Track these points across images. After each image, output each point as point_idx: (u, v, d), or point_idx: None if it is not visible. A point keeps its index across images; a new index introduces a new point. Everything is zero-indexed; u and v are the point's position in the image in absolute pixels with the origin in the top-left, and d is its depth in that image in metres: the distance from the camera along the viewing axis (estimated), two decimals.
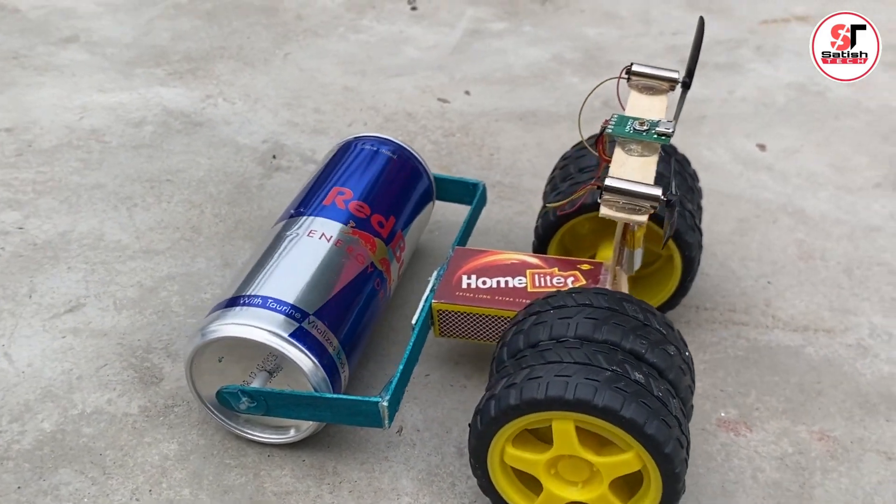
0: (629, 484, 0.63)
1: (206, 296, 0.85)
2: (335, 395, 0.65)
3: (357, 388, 0.77)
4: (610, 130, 0.66)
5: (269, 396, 0.66)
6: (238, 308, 0.68)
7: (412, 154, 0.87)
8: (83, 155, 1.04)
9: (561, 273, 0.76)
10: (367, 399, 0.65)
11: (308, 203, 0.78)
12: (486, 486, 0.64)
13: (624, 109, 0.71)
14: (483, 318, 0.73)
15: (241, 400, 0.67)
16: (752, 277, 0.91)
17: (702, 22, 0.70)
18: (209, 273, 0.88)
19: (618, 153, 0.65)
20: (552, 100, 1.20)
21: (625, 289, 0.74)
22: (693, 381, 0.65)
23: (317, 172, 0.84)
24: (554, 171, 0.87)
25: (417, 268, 0.89)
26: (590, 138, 0.83)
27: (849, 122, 1.19)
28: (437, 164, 1.05)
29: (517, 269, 0.76)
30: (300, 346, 0.66)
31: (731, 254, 0.95)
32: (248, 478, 0.69)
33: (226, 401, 0.68)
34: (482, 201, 0.89)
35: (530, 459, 0.62)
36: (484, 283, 0.75)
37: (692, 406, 0.64)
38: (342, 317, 0.71)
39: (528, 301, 0.72)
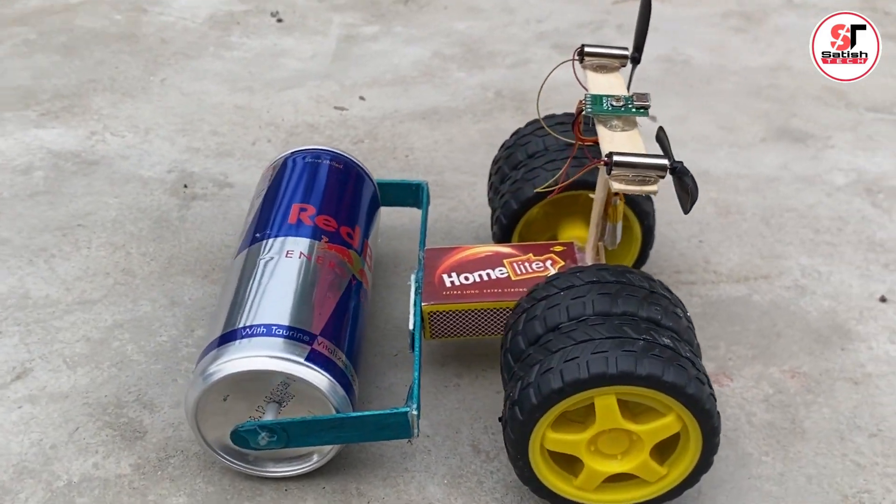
0: (658, 448, 0.65)
1: (163, 338, 0.80)
2: (361, 413, 0.63)
3: None
4: (589, 111, 0.67)
5: (290, 426, 0.63)
6: (239, 341, 0.64)
7: (354, 161, 0.85)
8: None
9: (538, 258, 0.76)
10: (395, 411, 0.63)
11: (270, 225, 0.75)
12: (528, 475, 0.64)
13: (587, 90, 0.72)
14: (476, 314, 0.73)
15: (259, 436, 0.63)
16: (684, 239, 0.96)
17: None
18: (158, 315, 0.82)
19: (602, 131, 0.66)
20: (447, 96, 1.21)
21: (603, 261, 0.76)
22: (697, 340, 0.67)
23: (264, 193, 0.80)
24: (497, 162, 0.87)
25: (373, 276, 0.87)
26: (545, 119, 0.85)
27: (720, 85, 1.26)
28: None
29: (494, 261, 0.76)
30: (317, 368, 0.63)
31: (658, 220, 0.99)
32: None
33: (242, 440, 0.64)
34: (428, 201, 0.88)
35: (572, 440, 0.62)
36: (466, 278, 0.75)
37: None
38: (342, 333, 0.68)
39: (516, 289, 0.73)
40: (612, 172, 0.60)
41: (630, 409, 0.63)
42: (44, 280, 0.85)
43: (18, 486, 0.66)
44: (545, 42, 1.36)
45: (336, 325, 0.68)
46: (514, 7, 1.47)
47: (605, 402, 0.60)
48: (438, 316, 0.73)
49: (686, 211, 0.59)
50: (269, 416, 0.64)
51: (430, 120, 1.15)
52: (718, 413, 0.62)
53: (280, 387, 0.64)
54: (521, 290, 0.73)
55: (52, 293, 0.84)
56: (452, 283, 0.74)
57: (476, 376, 0.78)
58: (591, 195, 0.75)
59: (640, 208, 0.80)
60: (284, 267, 0.70)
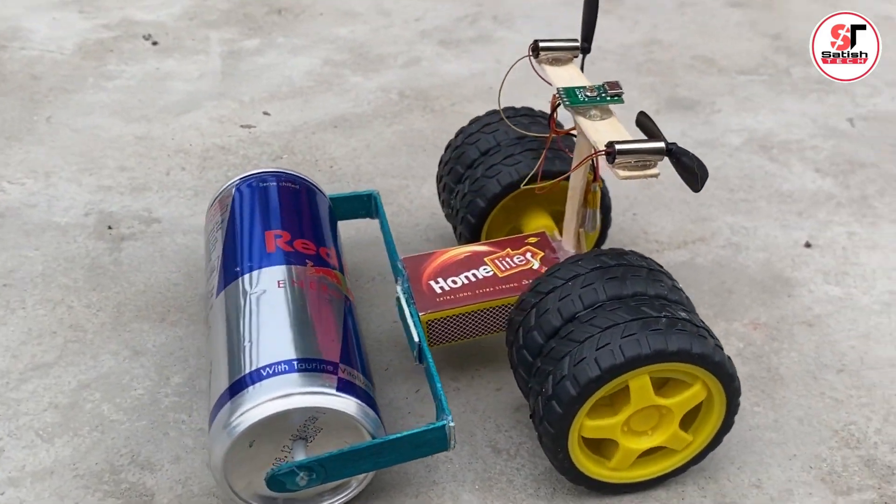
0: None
1: (138, 392, 0.74)
2: (399, 435, 0.61)
3: None
4: (567, 103, 0.67)
5: (328, 462, 0.60)
6: (256, 385, 0.59)
7: (305, 179, 0.82)
8: None
9: (517, 252, 0.76)
10: (433, 426, 0.61)
11: (246, 257, 0.70)
12: (567, 466, 0.64)
13: (552, 84, 0.72)
14: (473, 315, 0.72)
15: (297, 476, 0.59)
16: (619, 214, 0.98)
17: None
18: (125, 368, 0.76)
19: (583, 122, 0.66)
20: (350, 102, 1.18)
21: (584, 247, 0.76)
22: None
23: (225, 226, 0.75)
24: (446, 162, 0.85)
25: None
26: (488, 114, 0.84)
27: (604, 65, 1.30)
28: None
29: (475, 261, 0.75)
30: (348, 396, 0.60)
31: None
32: None
33: (279, 484, 0.60)
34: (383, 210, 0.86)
35: (608, 425, 0.63)
36: (454, 282, 0.73)
37: None
38: (355, 355, 0.65)
39: (506, 285, 0.72)
40: (616, 160, 0.60)
41: (656, 385, 0.63)
42: None
43: None
44: (430, 39, 1.35)
45: (348, 348, 0.65)
46: (389, 9, 1.45)
47: (640, 382, 0.61)
48: (437, 323, 0.71)
49: (697, 189, 0.60)
50: (299, 455, 0.60)
51: (341, 128, 1.12)
52: (737, 375, 0.64)
53: (307, 422, 0.60)
54: (511, 285, 0.72)
55: None
56: (442, 288, 0.73)
57: (472, 377, 0.77)
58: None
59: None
60: (277, 298, 0.66)
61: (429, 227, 0.95)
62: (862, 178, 1.05)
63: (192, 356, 0.77)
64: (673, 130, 1.13)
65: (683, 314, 0.62)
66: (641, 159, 0.61)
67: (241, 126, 1.11)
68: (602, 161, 0.62)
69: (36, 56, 1.25)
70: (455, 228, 0.84)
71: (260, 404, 0.58)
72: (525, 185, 0.76)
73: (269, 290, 0.67)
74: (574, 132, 0.71)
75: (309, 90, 1.20)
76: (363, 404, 0.61)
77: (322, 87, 1.21)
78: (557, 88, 0.69)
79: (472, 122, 0.86)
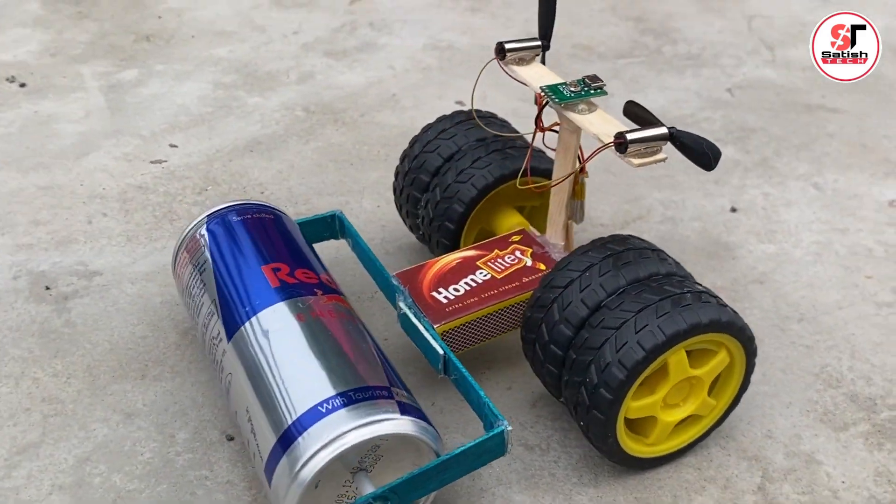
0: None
1: (146, 456, 0.69)
2: (463, 448, 0.60)
3: None
4: (556, 101, 0.69)
5: (401, 487, 0.59)
6: (315, 427, 0.57)
7: (271, 207, 0.79)
8: None
9: (505, 251, 0.77)
10: (492, 434, 0.61)
11: (251, 297, 0.67)
12: (615, 449, 0.66)
13: (526, 84, 0.74)
14: (485, 319, 0.72)
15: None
16: None
17: None
18: (122, 433, 0.71)
19: (576, 118, 0.69)
20: (257, 123, 1.14)
21: (572, 239, 0.79)
22: None
23: (211, 269, 0.71)
24: (406, 174, 0.85)
25: None
26: (439, 121, 0.85)
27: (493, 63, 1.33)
28: None
29: (468, 267, 0.76)
30: (410, 417, 0.59)
31: None
32: None
33: None
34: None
35: (650, 403, 0.65)
36: (456, 290, 0.74)
37: None
38: (395, 375, 0.64)
39: (509, 285, 0.73)
40: (629, 150, 0.63)
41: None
42: None
43: None
44: (315, 52, 1.33)
45: (390, 369, 0.64)
46: (262, 24, 1.41)
47: (678, 357, 0.64)
48: (453, 333, 0.71)
49: (711, 167, 0.63)
50: (366, 487, 0.59)
51: (257, 151, 1.08)
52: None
53: (369, 452, 0.59)
54: (513, 284, 0.74)
55: None
56: (447, 298, 0.73)
57: (480, 380, 0.77)
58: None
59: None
60: (299, 334, 0.64)
61: (384, 240, 0.94)
62: (757, 143, 1.14)
63: (190, 408, 0.73)
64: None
65: (699, 287, 0.66)
66: (650, 146, 0.64)
67: (152, 162, 1.05)
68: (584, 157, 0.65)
69: None
70: (428, 237, 0.84)
71: (320, 450, 0.56)
72: (521, 184, 0.77)
73: (288, 326, 0.65)
74: (556, 128, 0.73)
75: (210, 116, 1.15)
76: (424, 423, 0.60)
77: (222, 111, 1.17)
78: (541, 87, 0.71)
79: (425, 130, 0.86)
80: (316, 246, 0.80)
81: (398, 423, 0.58)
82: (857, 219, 1.00)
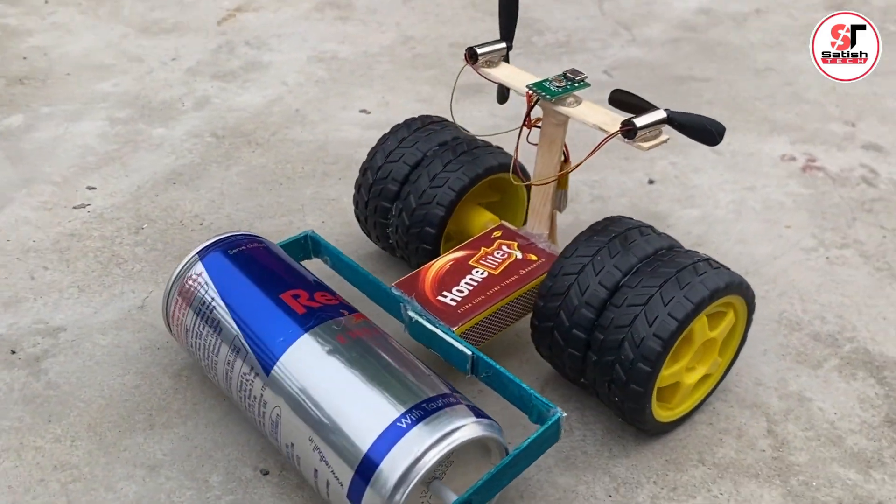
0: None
1: (179, 498, 0.67)
2: (528, 441, 0.62)
3: None
4: (547, 97, 0.73)
5: (482, 489, 0.60)
6: (414, 429, 0.58)
7: (256, 236, 0.78)
8: None
9: (493, 248, 0.80)
10: (551, 422, 0.64)
11: (281, 328, 0.66)
12: (648, 419, 0.70)
13: (504, 84, 0.76)
14: (496, 315, 0.75)
15: None
16: None
17: None
18: (153, 486, 0.68)
19: (568, 111, 0.72)
20: (170, 154, 1.10)
21: (556, 227, 0.82)
22: None
23: (220, 307, 0.69)
24: (369, 186, 0.85)
25: None
26: (394, 130, 0.86)
27: (381, 68, 1.35)
28: (175, 256, 0.92)
29: (463, 268, 0.78)
30: (482, 419, 0.61)
31: None
32: None
33: None
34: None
35: (677, 369, 0.70)
36: (460, 291, 0.76)
37: None
38: (444, 379, 0.66)
39: (510, 279, 0.76)
40: (638, 135, 0.67)
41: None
42: None
43: None
44: (202, 76, 1.29)
45: (437, 375, 0.65)
46: (138, 54, 1.35)
47: (700, 323, 0.69)
48: (469, 333, 0.73)
49: (716, 142, 0.68)
50: (447, 495, 0.59)
51: (181, 183, 1.05)
52: None
53: (443, 458, 0.60)
54: (513, 278, 0.77)
55: None
56: (454, 300, 0.75)
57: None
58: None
59: (526, 171, 0.88)
60: (347, 355, 0.64)
61: (344, 252, 0.94)
62: None
63: (213, 450, 0.71)
64: (480, 114, 1.22)
65: (701, 255, 0.72)
66: (653, 131, 0.68)
67: (75, 207, 0.99)
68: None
69: None
70: (404, 244, 0.84)
71: (406, 472, 0.57)
72: (516, 180, 0.80)
73: (333, 350, 0.64)
74: (539, 124, 0.77)
75: (118, 153, 1.10)
76: (491, 421, 0.62)
77: (129, 147, 1.11)
78: (528, 86, 0.74)
79: (382, 142, 0.87)
80: None
81: (474, 428, 0.60)
82: (760, 175, 1.10)
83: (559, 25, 1.50)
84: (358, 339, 0.66)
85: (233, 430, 0.73)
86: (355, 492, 0.59)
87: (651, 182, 1.09)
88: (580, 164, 0.75)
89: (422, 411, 0.60)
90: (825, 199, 1.07)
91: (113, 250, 0.93)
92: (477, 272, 0.77)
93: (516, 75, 0.78)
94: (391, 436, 0.59)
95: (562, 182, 0.79)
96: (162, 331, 0.82)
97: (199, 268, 0.73)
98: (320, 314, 0.67)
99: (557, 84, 0.74)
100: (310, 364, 0.64)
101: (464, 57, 0.79)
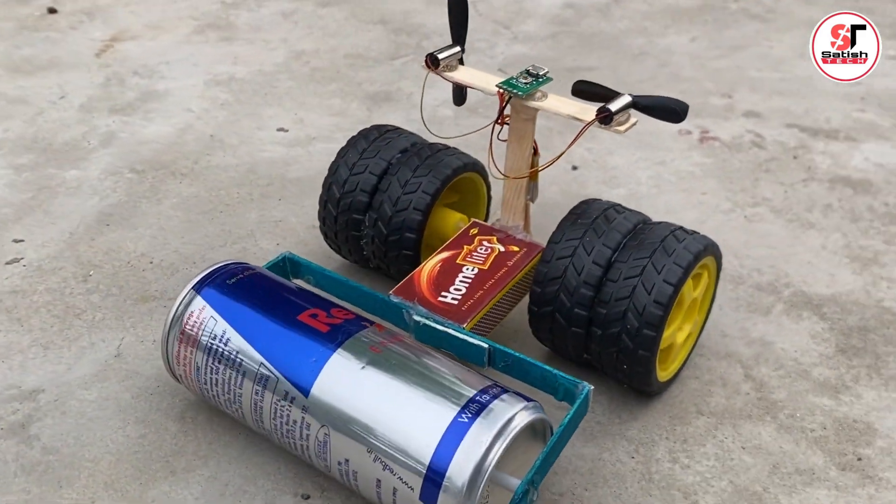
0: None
1: None
2: (569, 416, 0.65)
3: None
4: (519, 94, 0.75)
5: (541, 468, 0.62)
6: (474, 426, 0.60)
7: (246, 263, 0.76)
8: None
9: (474, 245, 0.82)
10: (583, 397, 0.67)
11: (310, 349, 0.65)
12: (653, 381, 0.75)
13: (470, 86, 0.78)
14: (498, 306, 0.77)
15: (529, 494, 0.61)
16: None
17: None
18: None
19: (540, 105, 0.76)
20: (93, 196, 1.04)
21: (530, 217, 0.85)
22: None
23: (233, 335, 0.67)
24: (336, 200, 0.85)
25: None
26: (351, 143, 0.86)
27: (289, 84, 1.33)
28: (135, 298, 0.88)
29: (452, 267, 0.79)
30: (531, 402, 0.64)
31: None
32: None
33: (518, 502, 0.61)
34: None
35: (672, 331, 0.75)
36: (458, 290, 0.77)
37: None
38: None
39: (502, 270, 0.79)
40: (614, 120, 0.71)
41: None
42: None
43: None
44: (99, 111, 1.23)
45: (473, 370, 0.67)
46: (20, 96, 1.27)
47: (687, 286, 0.74)
48: (475, 328, 0.75)
49: (680, 119, 0.73)
50: (507, 481, 0.61)
51: (114, 223, 1.00)
52: None
53: (508, 448, 0.62)
54: (503, 270, 0.79)
55: None
56: (455, 299, 0.76)
57: None
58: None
59: (483, 172, 0.90)
60: (386, 364, 0.64)
61: None
62: None
63: (246, 484, 0.69)
64: (397, 120, 1.24)
65: (672, 224, 0.77)
66: (622, 115, 0.73)
67: (8, 263, 0.93)
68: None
69: None
70: (383, 253, 0.85)
71: (475, 471, 0.59)
72: (498, 175, 0.82)
73: (372, 361, 0.65)
74: (508, 121, 0.79)
75: (35, 201, 1.03)
76: (536, 403, 0.64)
77: (45, 193, 1.05)
78: (498, 85, 0.77)
79: (342, 155, 0.87)
80: None
81: (527, 413, 0.62)
82: (666, 150, 1.18)
83: (442, 30, 1.54)
84: (389, 347, 0.66)
85: (259, 462, 0.71)
86: (428, 493, 0.59)
87: (575, 168, 1.14)
88: (562, 154, 0.78)
89: (477, 405, 0.61)
90: (727, 166, 1.16)
91: (65, 302, 0.88)
92: (467, 269, 0.79)
93: (479, 76, 0.80)
94: (454, 434, 0.60)
95: (533, 176, 0.82)
96: (149, 376, 0.79)
97: (200, 302, 0.70)
98: (345, 329, 0.67)
99: (524, 81, 0.77)
100: (350, 379, 0.64)
101: (424, 64, 0.81)
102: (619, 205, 0.79)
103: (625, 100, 0.73)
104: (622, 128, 0.72)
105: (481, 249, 0.82)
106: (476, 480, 0.59)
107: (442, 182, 0.84)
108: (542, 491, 0.69)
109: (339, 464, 0.64)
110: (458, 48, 0.82)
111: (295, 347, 0.66)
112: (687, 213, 1.05)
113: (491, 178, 0.91)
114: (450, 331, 0.73)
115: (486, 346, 0.71)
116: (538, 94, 0.77)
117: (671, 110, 0.73)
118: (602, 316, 0.73)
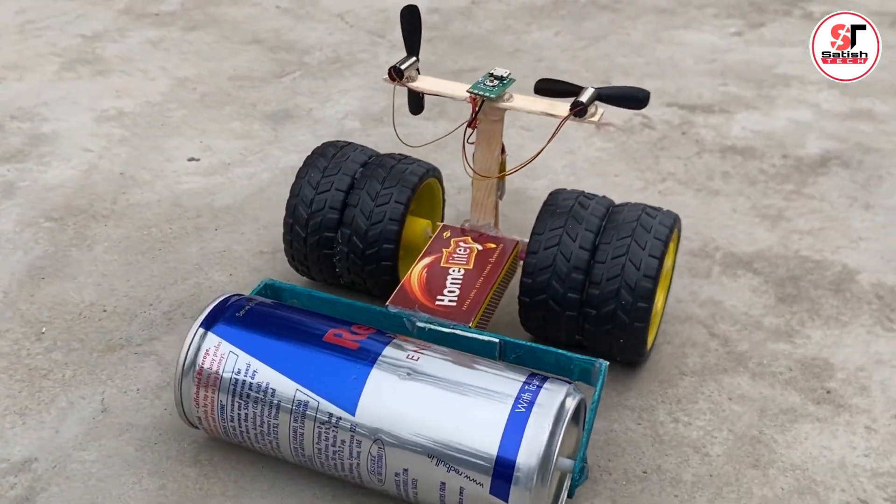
0: None
1: None
2: (597, 394, 0.69)
3: None
4: (491, 95, 0.78)
5: (585, 448, 0.66)
6: (531, 419, 0.62)
7: (249, 295, 0.75)
8: None
9: (452, 247, 0.84)
10: (603, 372, 0.71)
11: (348, 367, 0.65)
12: (646, 349, 0.80)
13: (434, 94, 0.80)
14: (491, 302, 0.80)
15: (580, 466, 0.64)
16: None
17: (413, 9, 0.82)
18: None
19: (511, 105, 0.79)
20: (15, 250, 0.97)
21: (499, 214, 0.88)
22: None
23: (264, 370, 0.66)
24: (306, 221, 0.84)
25: None
26: (307, 162, 0.85)
27: (178, 114, 1.29)
28: (101, 350, 0.83)
29: (439, 271, 0.81)
30: (570, 384, 0.66)
31: None
32: None
33: (578, 481, 0.64)
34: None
35: (660, 297, 0.80)
36: (452, 291, 0.79)
37: None
38: None
39: (488, 265, 0.81)
40: (588, 112, 0.75)
41: None
42: None
43: None
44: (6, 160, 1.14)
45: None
46: None
47: (667, 255, 0.80)
48: (480, 322, 0.77)
49: (643, 105, 0.78)
50: (563, 462, 0.64)
51: (49, 277, 0.93)
52: None
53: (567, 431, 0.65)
54: (489, 266, 0.82)
55: None
56: (451, 301, 0.78)
57: None
58: None
59: (440, 177, 0.92)
60: (428, 370, 0.65)
61: None
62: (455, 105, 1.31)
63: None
64: (304, 137, 1.23)
65: (638, 203, 0.82)
66: (593, 108, 0.77)
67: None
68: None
69: None
70: (360, 268, 0.85)
71: (546, 452, 0.61)
72: (474, 174, 0.84)
73: (415, 369, 0.65)
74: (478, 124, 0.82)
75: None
76: (573, 383, 0.67)
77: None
78: (469, 90, 0.79)
79: (304, 174, 0.86)
80: None
81: (574, 395, 0.65)
82: (570, 140, 1.24)
83: (320, 43, 1.53)
84: (423, 353, 0.67)
85: (293, 491, 0.70)
86: (498, 487, 0.61)
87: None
88: (541, 150, 0.81)
89: (529, 394, 0.63)
90: (627, 148, 1.24)
91: (25, 364, 0.82)
92: (454, 271, 0.81)
93: (442, 84, 0.82)
94: (516, 425, 0.62)
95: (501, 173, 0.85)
96: (145, 427, 0.76)
97: (214, 339, 0.68)
98: (374, 344, 0.67)
99: (492, 84, 0.79)
100: (395, 390, 0.64)
101: (388, 77, 0.81)
102: (585, 191, 0.83)
103: (590, 92, 0.77)
104: (595, 119, 0.77)
105: (460, 251, 0.84)
106: (546, 467, 0.61)
107: (412, 190, 0.85)
108: None
109: (397, 475, 0.64)
110: (414, 58, 0.83)
111: (330, 369, 0.66)
112: (609, 195, 1.11)
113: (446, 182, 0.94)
114: (457, 331, 0.75)
115: (497, 340, 0.74)
116: (506, 96, 0.80)
117: (634, 98, 0.78)
118: (595, 296, 0.77)
